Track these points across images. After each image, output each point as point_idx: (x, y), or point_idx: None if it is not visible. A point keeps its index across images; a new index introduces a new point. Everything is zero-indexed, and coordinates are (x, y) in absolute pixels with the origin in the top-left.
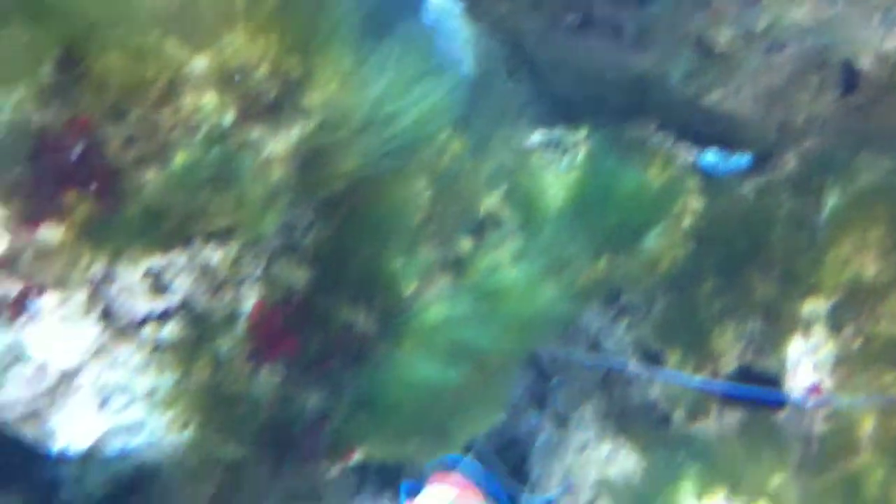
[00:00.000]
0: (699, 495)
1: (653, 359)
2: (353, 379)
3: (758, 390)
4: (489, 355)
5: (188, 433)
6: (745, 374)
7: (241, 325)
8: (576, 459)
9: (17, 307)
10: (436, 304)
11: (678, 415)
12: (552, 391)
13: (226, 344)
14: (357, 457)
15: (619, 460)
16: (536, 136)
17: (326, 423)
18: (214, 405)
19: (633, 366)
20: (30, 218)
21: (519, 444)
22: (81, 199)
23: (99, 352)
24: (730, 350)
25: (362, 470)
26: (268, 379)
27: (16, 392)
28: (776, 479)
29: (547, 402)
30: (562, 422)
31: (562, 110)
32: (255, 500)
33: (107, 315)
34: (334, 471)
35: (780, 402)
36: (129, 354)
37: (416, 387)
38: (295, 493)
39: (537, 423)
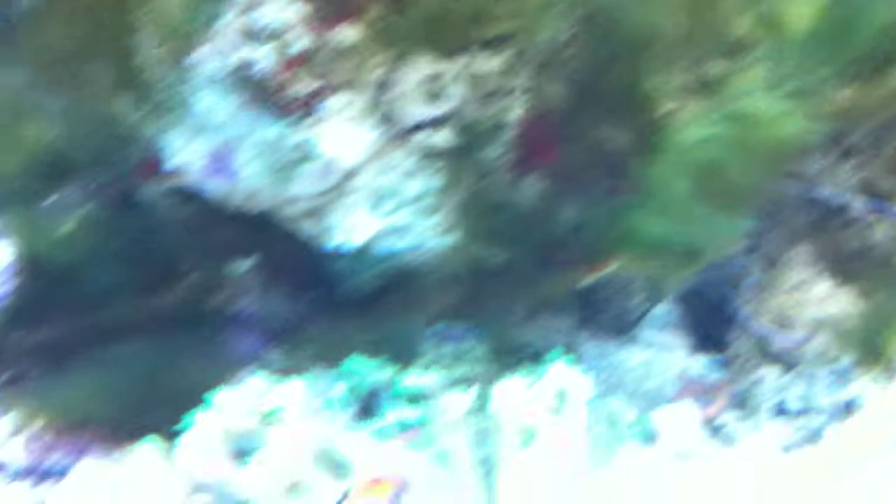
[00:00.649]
0: None
1: (880, 200)
2: (607, 194)
3: None
4: (736, 180)
5: (451, 237)
6: None
7: (507, 135)
8: (788, 299)
9: (309, 106)
10: (689, 124)
11: None
12: (762, 232)
13: (492, 152)
14: (607, 269)
15: (836, 300)
16: None
17: (581, 235)
18: (478, 212)
19: (859, 204)
20: (328, 17)
21: (726, 284)
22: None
23: (375, 155)
24: None
25: None
26: (529, 187)
27: (302, 188)
28: None
29: (757, 244)
30: (772, 263)
31: None
32: (505, 306)
33: (385, 119)
34: (585, 281)
35: None
36: (401, 159)
37: (667, 205)
38: (542, 303)
39: (746, 265)
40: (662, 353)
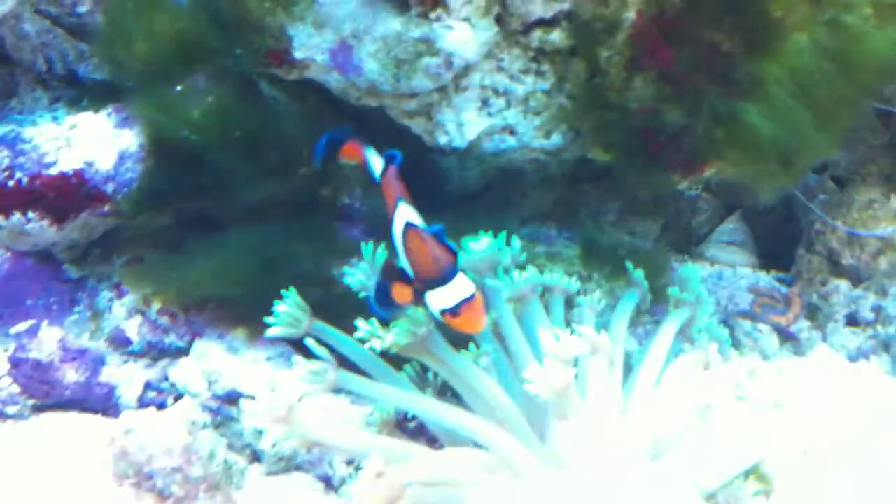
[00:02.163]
0: None
1: None
2: (716, 96)
3: None
4: (836, 90)
5: (559, 137)
6: None
7: (622, 34)
8: (860, 215)
9: (431, 1)
10: (797, 30)
11: None
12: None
13: (606, 51)
14: (708, 173)
15: None
16: None
17: (686, 136)
18: (587, 112)
19: None
20: None
21: (795, 200)
22: None
23: (489, 54)
24: None
25: None
26: (642, 87)
27: (420, 83)
28: None
29: (824, 164)
30: (843, 182)
31: None
32: (600, 208)
33: (502, 17)
34: (685, 183)
35: None
36: (514, 59)
37: (772, 110)
38: (633, 207)
39: (816, 183)
40: (732, 267)
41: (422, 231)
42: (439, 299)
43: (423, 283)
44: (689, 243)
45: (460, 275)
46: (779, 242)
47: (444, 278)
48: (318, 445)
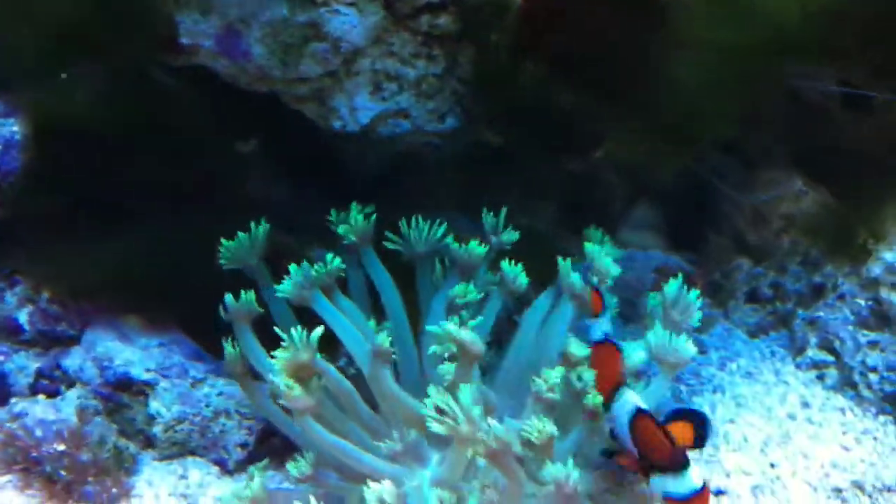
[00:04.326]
0: None
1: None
2: (606, 78)
3: None
4: (738, 67)
5: (452, 121)
6: None
7: (511, 17)
8: (764, 196)
9: None
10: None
11: (880, 150)
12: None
13: (495, 35)
14: (599, 154)
15: (810, 197)
16: None
17: (577, 118)
18: (478, 95)
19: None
20: None
21: (705, 185)
22: None
23: (379, 38)
24: None
25: None
26: (531, 70)
27: (308, 68)
28: None
29: (733, 147)
30: (750, 164)
31: None
32: (501, 192)
33: (390, 1)
34: (578, 166)
35: None
36: (404, 43)
37: (669, 86)
38: (535, 189)
39: (723, 164)
40: (644, 250)
41: (654, 417)
42: (669, 484)
43: (653, 466)
44: (605, 228)
45: (695, 468)
46: (691, 226)
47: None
48: None
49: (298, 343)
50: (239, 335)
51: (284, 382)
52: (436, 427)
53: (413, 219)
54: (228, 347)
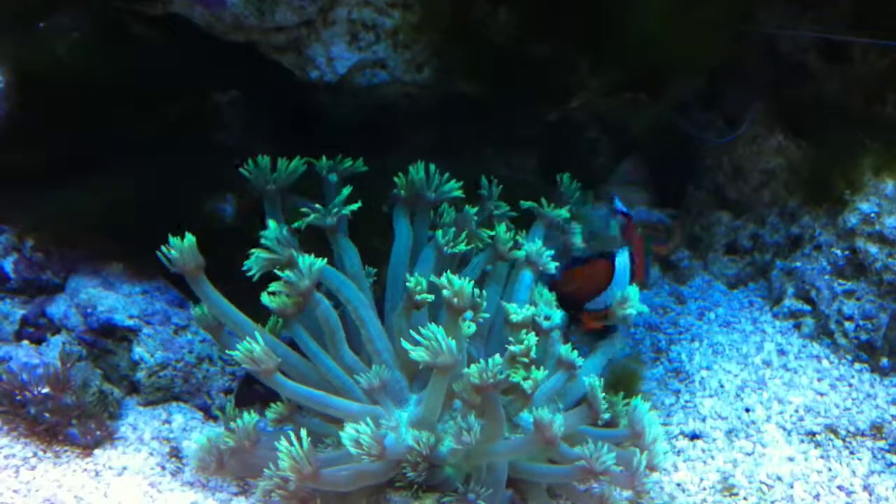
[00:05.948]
0: (877, 170)
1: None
2: (575, 24)
3: None
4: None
5: (428, 71)
6: None
7: None
8: (745, 151)
9: None
10: None
11: (856, 101)
12: (720, 91)
13: None
14: (575, 104)
15: (790, 150)
16: None
17: (552, 68)
18: (453, 45)
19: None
20: None
21: (688, 141)
22: None
23: None
24: None
25: None
26: (506, 20)
27: (284, 17)
28: None
29: (713, 102)
30: (730, 120)
31: None
32: (478, 141)
33: None
34: (555, 117)
35: None
36: None
37: (633, 36)
38: (511, 140)
39: (706, 121)
40: (629, 205)
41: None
42: None
43: None
44: (591, 183)
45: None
46: (676, 182)
47: None
48: None
49: (304, 269)
50: (195, 289)
51: (243, 348)
52: (416, 354)
53: (424, 165)
54: (196, 309)
